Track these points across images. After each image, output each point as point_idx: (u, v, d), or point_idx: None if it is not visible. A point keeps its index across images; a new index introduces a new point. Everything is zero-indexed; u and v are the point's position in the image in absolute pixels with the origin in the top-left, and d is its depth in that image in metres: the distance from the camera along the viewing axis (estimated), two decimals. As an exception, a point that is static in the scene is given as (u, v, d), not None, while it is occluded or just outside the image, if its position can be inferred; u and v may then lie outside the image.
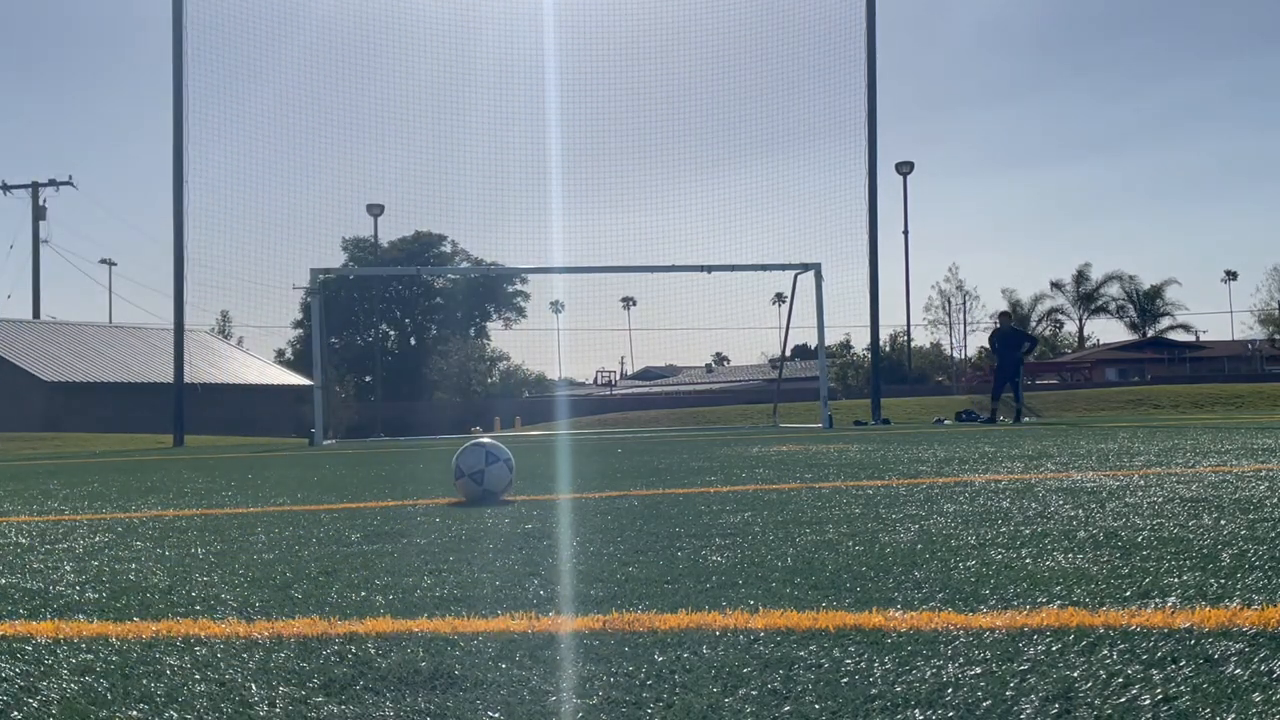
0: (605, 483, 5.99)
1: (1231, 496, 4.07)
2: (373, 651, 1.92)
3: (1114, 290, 78.91)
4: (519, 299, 65.55)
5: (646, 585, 2.51)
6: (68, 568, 3.14)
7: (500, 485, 4.87)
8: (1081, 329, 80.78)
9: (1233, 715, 1.43)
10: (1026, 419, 18.74)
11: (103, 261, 65.93)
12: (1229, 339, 78.56)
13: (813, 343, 22.57)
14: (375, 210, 34.53)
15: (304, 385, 40.24)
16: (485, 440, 5.07)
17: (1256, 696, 1.49)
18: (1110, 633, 1.88)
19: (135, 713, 1.60)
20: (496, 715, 1.54)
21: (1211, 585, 2.29)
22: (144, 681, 1.76)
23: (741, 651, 1.84)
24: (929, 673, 1.67)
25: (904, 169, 43.06)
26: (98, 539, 3.86)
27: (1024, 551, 2.85)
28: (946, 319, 69.87)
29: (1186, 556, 2.68)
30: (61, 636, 2.14)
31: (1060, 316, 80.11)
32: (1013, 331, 19.94)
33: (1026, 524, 3.43)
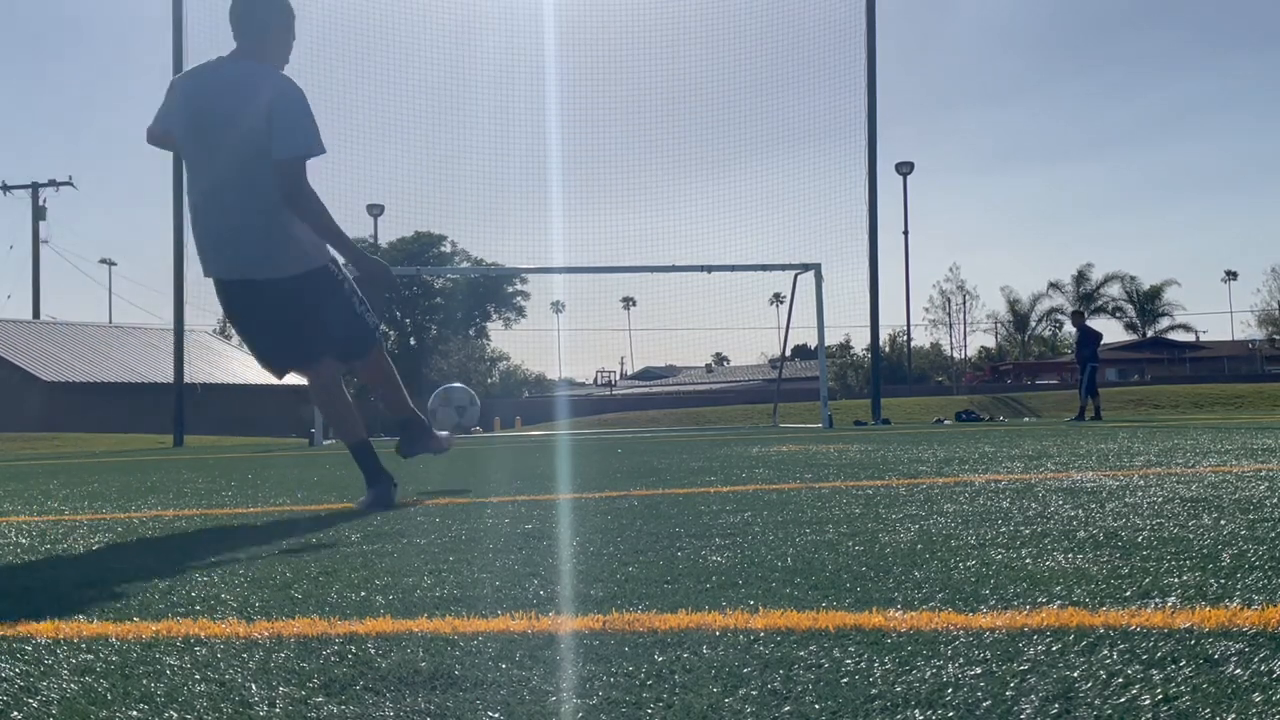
0: (605, 483, 5.98)
1: (1231, 496, 4.07)
2: (373, 651, 1.92)
3: (1114, 290, 78.92)
4: (519, 299, 65.57)
5: (646, 585, 2.51)
6: (68, 568, 3.14)
7: (471, 420, 5.19)
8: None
9: (1233, 715, 1.43)
10: (1081, 418, 18.76)
11: (103, 261, 66.05)
12: (1229, 339, 78.54)
13: (813, 343, 22.58)
14: (375, 210, 34.53)
15: (304, 386, 40.22)
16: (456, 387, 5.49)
17: (1256, 696, 1.49)
18: (1110, 633, 1.88)
19: (135, 713, 1.60)
20: (496, 715, 1.54)
21: (1211, 585, 2.29)
22: (144, 681, 1.76)
23: (741, 651, 1.84)
24: (929, 673, 1.67)
25: (904, 169, 43.09)
26: (98, 539, 3.86)
27: (1024, 551, 2.85)
28: (946, 319, 69.91)
29: (1186, 556, 2.67)
30: (61, 636, 2.14)
31: (1060, 317, 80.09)
32: (1083, 330, 20.20)
33: (1026, 524, 3.43)
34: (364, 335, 5.07)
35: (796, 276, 21.22)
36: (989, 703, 1.51)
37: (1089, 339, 19.53)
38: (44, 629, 2.22)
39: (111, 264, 67.61)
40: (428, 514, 4.39)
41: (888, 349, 58.49)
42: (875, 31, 22.18)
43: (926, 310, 70.47)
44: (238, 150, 4.75)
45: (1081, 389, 19.15)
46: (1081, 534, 3.16)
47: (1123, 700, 1.50)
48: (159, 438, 24.68)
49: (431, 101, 25.12)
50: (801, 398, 31.68)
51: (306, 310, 4.90)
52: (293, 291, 4.86)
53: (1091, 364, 18.96)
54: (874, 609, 2.14)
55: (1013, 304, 76.81)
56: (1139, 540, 2.99)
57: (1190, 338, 77.13)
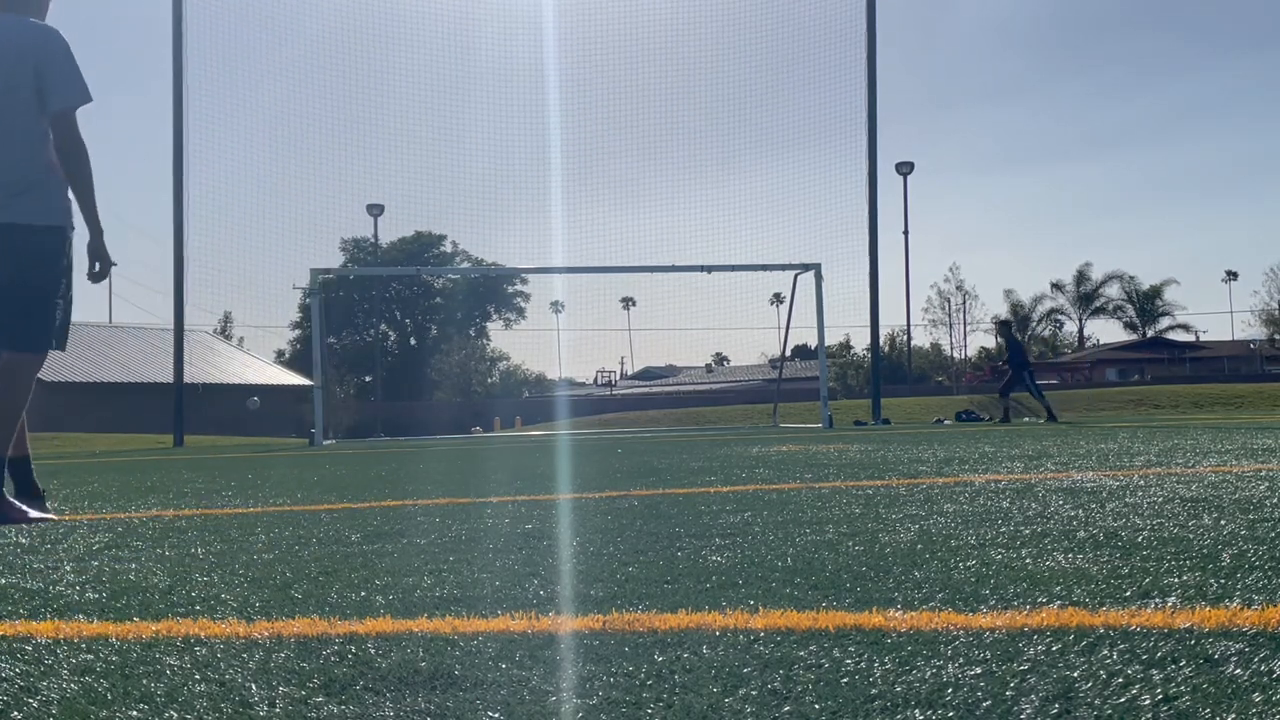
0: (605, 483, 5.98)
1: (1231, 496, 4.07)
2: (373, 651, 1.92)
3: (1114, 290, 78.92)
4: (519, 299, 65.60)
5: (646, 585, 2.51)
6: (68, 568, 3.14)
7: None
8: (1081, 329, 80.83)
9: (1233, 715, 1.43)
10: (1007, 420, 19.12)
11: (102, 261, 65.89)
12: (1229, 339, 78.52)
13: (813, 343, 22.59)
14: (375, 210, 34.61)
15: (304, 385, 40.23)
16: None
17: (1256, 696, 1.49)
18: (1110, 633, 1.88)
19: (135, 713, 1.60)
20: (496, 715, 1.54)
21: (1211, 585, 2.29)
22: (144, 681, 1.76)
23: (741, 651, 1.84)
24: (929, 673, 1.67)
25: (904, 169, 43.11)
26: (98, 539, 3.86)
27: (1024, 551, 2.85)
28: (946, 319, 69.98)
29: (1186, 556, 2.67)
30: (61, 636, 2.14)
31: (1060, 317, 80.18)
32: (1012, 339, 20.58)
33: (1026, 524, 3.43)
34: (43, 329, 4.71)
35: (796, 276, 21.22)
36: (989, 703, 1.51)
37: (1018, 347, 19.92)
38: (44, 629, 2.22)
39: (111, 264, 67.42)
40: (428, 514, 4.39)
41: (888, 349, 58.52)
42: (875, 31, 22.19)
43: (925, 310, 70.52)
44: (6, 98, 4.67)
45: (1035, 392, 19.53)
46: (1081, 534, 3.16)
47: (1123, 700, 1.50)
48: (159, 438, 24.69)
49: (431, 101, 25.14)
50: (801, 398, 31.68)
51: (25, 266, 4.65)
52: (26, 243, 4.66)
53: (1027, 370, 19.33)
54: (874, 609, 2.14)
55: (1015, 306, 76.83)
56: (1139, 540, 2.99)
57: (1190, 338, 77.12)
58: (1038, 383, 19.70)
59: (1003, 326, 21.31)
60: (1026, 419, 23.79)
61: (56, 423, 33.98)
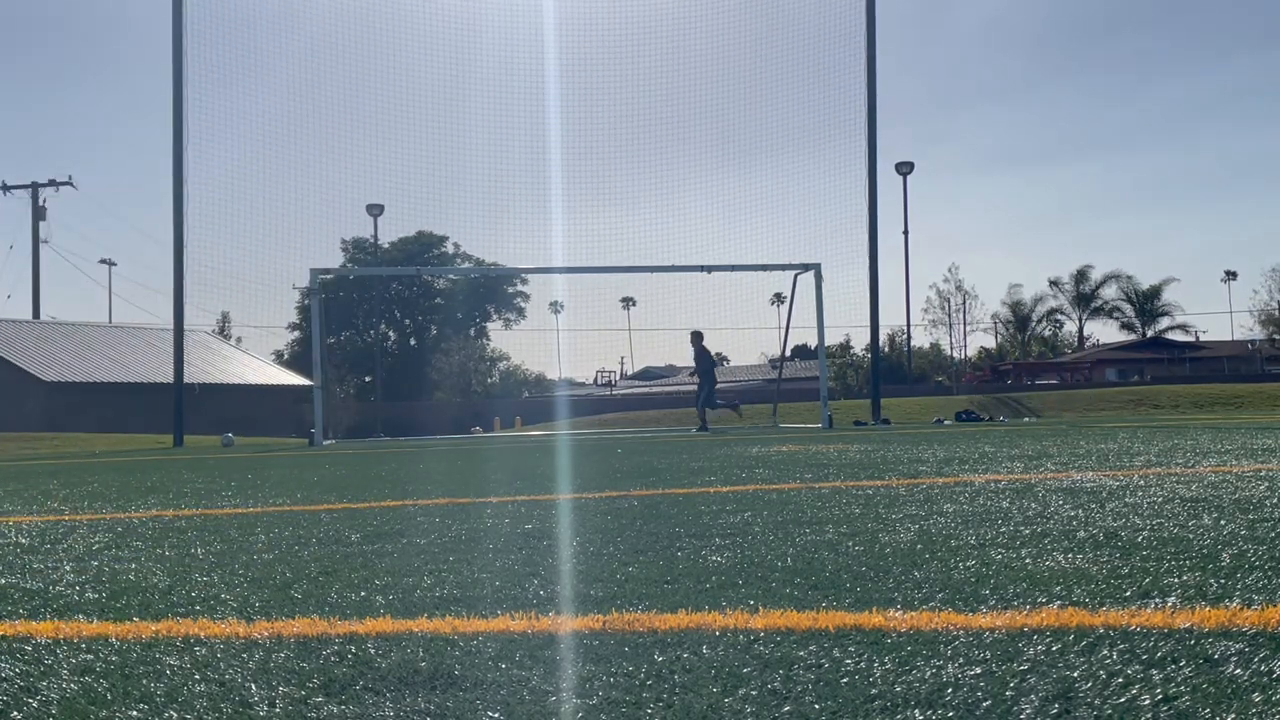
0: (605, 483, 5.99)
1: (1231, 496, 4.07)
2: (373, 651, 1.92)
3: (1113, 291, 78.85)
4: (519, 299, 65.53)
5: (646, 585, 2.51)
6: (68, 568, 3.14)
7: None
8: (1081, 329, 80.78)
9: (1233, 715, 1.43)
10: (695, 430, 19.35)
11: (103, 261, 65.98)
12: (1229, 339, 78.47)
13: (813, 343, 22.59)
14: (375, 210, 34.55)
15: (304, 385, 40.25)
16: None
17: (1256, 696, 1.49)
18: (1110, 633, 1.88)
19: (135, 713, 1.60)
20: (496, 715, 1.54)
21: (1211, 585, 2.29)
22: (144, 681, 1.76)
23: (741, 651, 1.84)
24: (929, 673, 1.67)
25: (904, 169, 43.05)
26: (98, 539, 3.86)
27: (1024, 551, 2.85)
28: (946, 319, 69.99)
29: (1186, 556, 2.68)
30: (61, 636, 2.14)
31: (1060, 317, 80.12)
32: (702, 349, 20.53)
33: (1026, 524, 3.43)
34: None
35: (796, 276, 21.22)
36: (989, 703, 1.51)
37: (706, 357, 20.04)
38: (44, 629, 2.22)
39: (111, 264, 67.45)
40: (428, 514, 4.39)
41: (887, 349, 58.52)
42: (875, 31, 22.18)
43: (925, 310, 70.47)
44: None
45: (704, 401, 19.71)
46: (1081, 534, 3.16)
47: (1123, 700, 1.50)
48: (159, 438, 24.69)
49: (431, 101, 25.14)
50: (801, 398, 31.66)
51: None
52: None
53: (709, 383, 19.60)
54: (874, 609, 2.14)
55: (1015, 305, 76.89)
56: (1139, 540, 2.99)
57: (1189, 338, 77.04)
58: (713, 396, 20.01)
59: (695, 336, 21.13)
60: (1026, 419, 23.80)
61: (56, 423, 33.99)
